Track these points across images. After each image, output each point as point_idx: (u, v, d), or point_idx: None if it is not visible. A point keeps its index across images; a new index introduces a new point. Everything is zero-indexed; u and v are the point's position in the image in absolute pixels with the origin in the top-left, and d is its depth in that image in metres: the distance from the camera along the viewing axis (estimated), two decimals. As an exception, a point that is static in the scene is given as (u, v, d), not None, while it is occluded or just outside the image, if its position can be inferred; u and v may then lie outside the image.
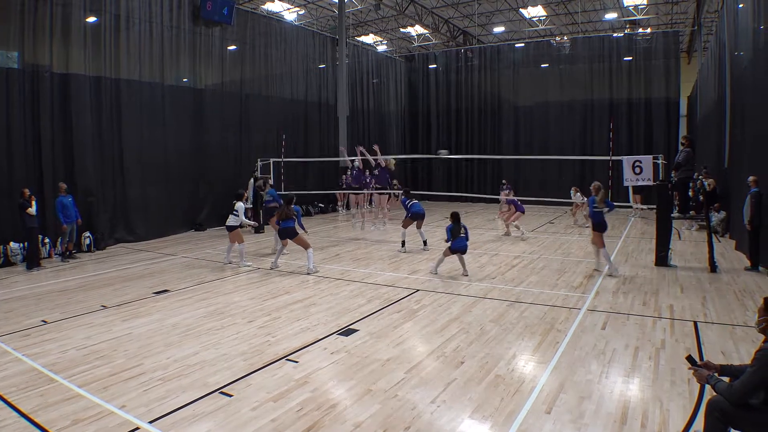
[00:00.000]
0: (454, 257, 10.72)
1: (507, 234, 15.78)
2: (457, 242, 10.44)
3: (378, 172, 15.39)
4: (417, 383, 5.47)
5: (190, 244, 15.15)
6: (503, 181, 20.91)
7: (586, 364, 5.92)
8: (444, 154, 15.69)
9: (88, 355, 6.41)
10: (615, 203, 10.98)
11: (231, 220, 11.74)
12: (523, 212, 15.39)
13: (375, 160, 15.44)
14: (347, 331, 7.21)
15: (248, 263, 11.91)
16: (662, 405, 4.89)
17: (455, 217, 10.57)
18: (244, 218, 11.84)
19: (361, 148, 15.95)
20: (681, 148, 12.21)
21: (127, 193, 15.55)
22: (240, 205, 11.81)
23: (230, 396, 5.23)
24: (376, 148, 15.53)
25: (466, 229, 10.58)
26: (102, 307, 8.60)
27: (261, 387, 5.43)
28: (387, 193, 16.06)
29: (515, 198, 15.60)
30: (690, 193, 15.19)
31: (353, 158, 16.50)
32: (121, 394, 5.28)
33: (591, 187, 10.91)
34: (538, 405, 4.94)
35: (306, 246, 11.13)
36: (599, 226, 10.61)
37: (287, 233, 11.17)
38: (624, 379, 5.51)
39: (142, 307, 8.58)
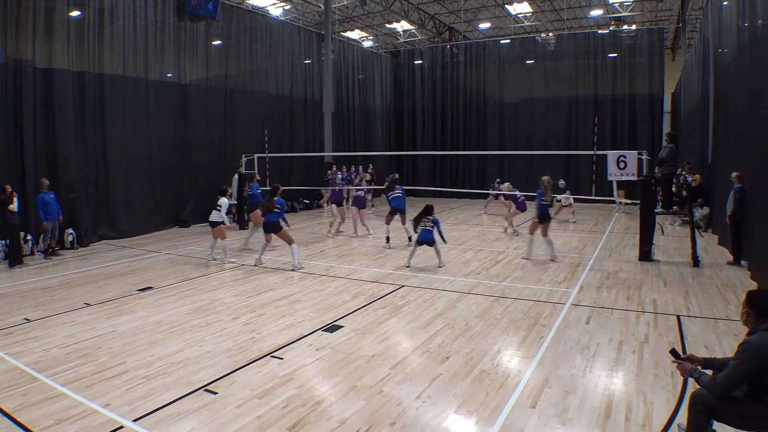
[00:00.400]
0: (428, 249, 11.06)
1: (505, 231, 15.63)
2: (422, 234, 10.80)
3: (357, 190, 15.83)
4: (402, 379, 5.48)
5: (174, 241, 15.02)
6: (497, 179, 20.86)
7: (571, 358, 5.96)
8: (562, 185, 16.60)
9: (71, 353, 6.34)
10: (599, 198, 11.24)
11: (214, 216, 11.58)
12: (523, 210, 15.40)
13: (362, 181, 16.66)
14: (332, 328, 7.20)
15: (232, 260, 11.83)
16: (646, 398, 4.94)
17: (423, 208, 11.05)
18: (224, 214, 11.72)
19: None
20: (665, 144, 12.35)
21: (111, 189, 15.33)
22: (224, 201, 11.69)
23: (215, 393, 5.19)
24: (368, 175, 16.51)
25: (436, 222, 10.89)
26: (85, 305, 8.50)
27: (246, 384, 5.40)
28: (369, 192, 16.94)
29: (518, 193, 15.50)
30: (673, 189, 15.34)
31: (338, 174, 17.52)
32: (105, 392, 5.23)
33: (541, 180, 11.69)
34: (523, 399, 4.97)
35: (290, 241, 11.02)
36: (545, 218, 11.42)
37: (271, 227, 11.06)
38: (608, 373, 5.56)
39: (126, 305, 8.50)
